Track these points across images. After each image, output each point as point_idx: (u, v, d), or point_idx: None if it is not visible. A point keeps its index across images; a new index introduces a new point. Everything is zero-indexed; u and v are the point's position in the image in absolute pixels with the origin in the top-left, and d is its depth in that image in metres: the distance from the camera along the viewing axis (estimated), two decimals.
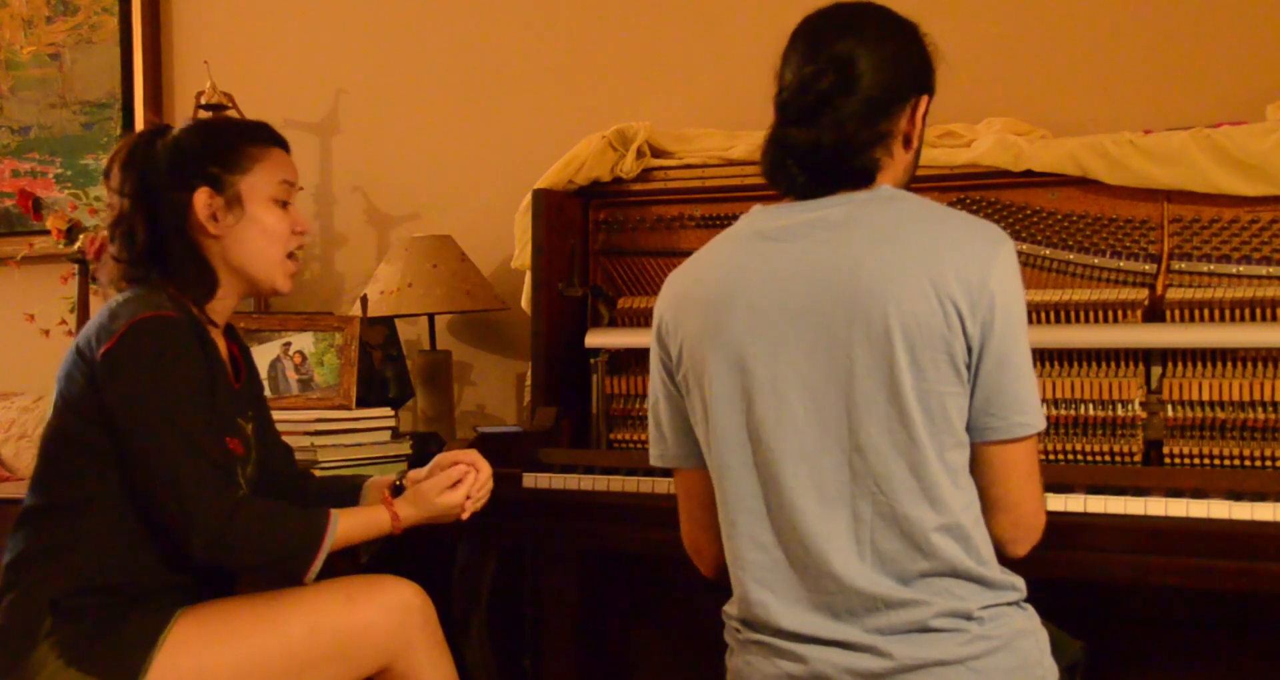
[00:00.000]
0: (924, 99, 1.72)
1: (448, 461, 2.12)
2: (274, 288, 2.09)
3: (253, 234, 2.04)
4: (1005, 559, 1.69)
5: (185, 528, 1.87)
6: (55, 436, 1.98)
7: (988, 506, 1.67)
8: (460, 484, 2.08)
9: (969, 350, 1.60)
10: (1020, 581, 1.67)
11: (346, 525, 1.97)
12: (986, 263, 1.60)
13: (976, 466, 1.66)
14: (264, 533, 1.91)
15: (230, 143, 2.06)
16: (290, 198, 2.10)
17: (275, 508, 1.97)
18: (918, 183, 1.91)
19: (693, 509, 1.83)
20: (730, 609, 1.74)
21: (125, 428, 1.89)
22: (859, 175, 1.68)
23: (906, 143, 1.72)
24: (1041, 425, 1.66)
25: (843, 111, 1.64)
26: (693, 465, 1.79)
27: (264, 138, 2.10)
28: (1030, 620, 1.67)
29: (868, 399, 1.60)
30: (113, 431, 1.90)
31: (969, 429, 1.63)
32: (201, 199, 2.01)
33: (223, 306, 2.08)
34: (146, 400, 1.88)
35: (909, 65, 1.71)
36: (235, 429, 2.03)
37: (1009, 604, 1.65)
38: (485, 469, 2.13)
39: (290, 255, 2.10)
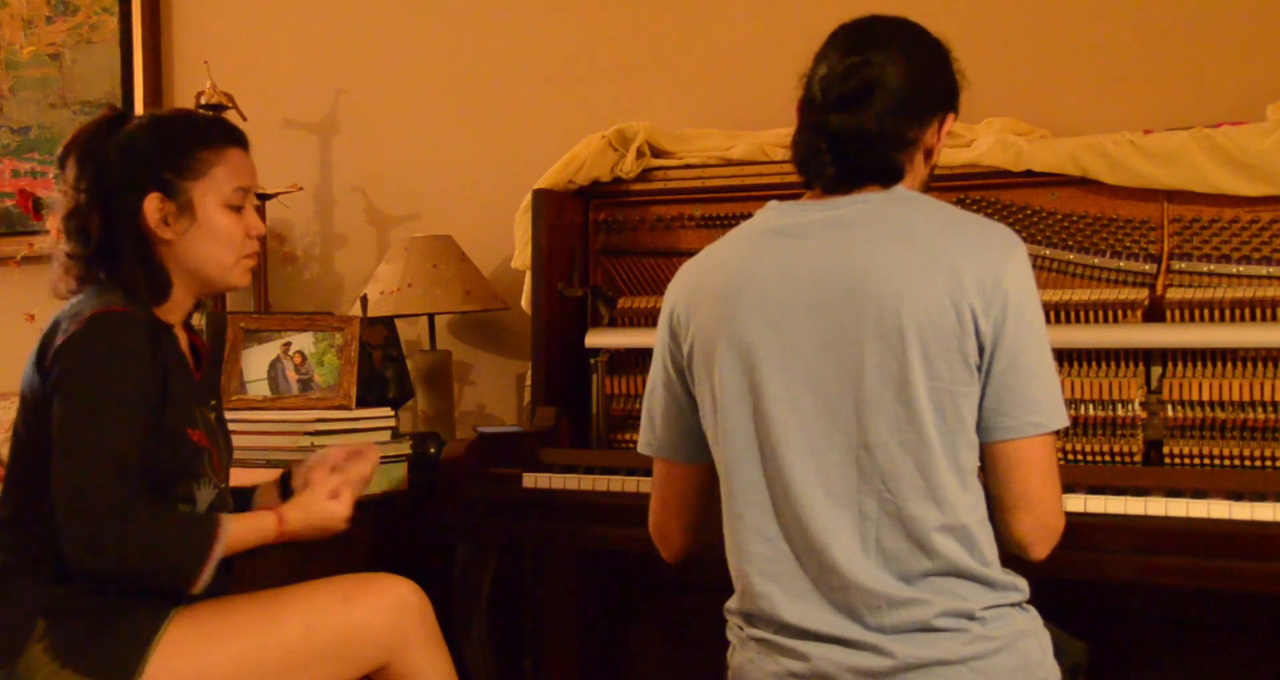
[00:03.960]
0: (950, 117, 1.76)
1: (320, 469, 2.06)
2: (230, 287, 2.06)
3: (205, 240, 1.97)
4: (1025, 562, 1.68)
5: (64, 529, 1.79)
6: (20, 442, 1.95)
7: (1009, 507, 1.66)
8: (340, 495, 2.02)
9: (980, 350, 1.60)
10: (1023, 583, 1.67)
11: (236, 530, 1.91)
12: (1000, 263, 1.61)
13: (994, 466, 1.65)
14: (150, 541, 1.83)
15: (185, 146, 1.97)
16: (246, 202, 2.01)
17: (164, 514, 1.90)
18: None
19: (668, 497, 1.84)
20: (732, 604, 1.74)
21: (56, 414, 1.84)
22: (888, 172, 1.69)
23: (928, 156, 1.75)
24: (1059, 425, 1.65)
25: (885, 102, 1.66)
26: (680, 458, 1.81)
27: (220, 138, 2.01)
28: (1033, 621, 1.67)
29: (877, 397, 1.60)
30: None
31: (981, 428, 1.63)
32: (152, 204, 1.94)
33: (178, 306, 2.02)
34: (80, 392, 1.84)
35: (942, 80, 1.75)
36: (196, 420, 1.99)
37: (1011, 605, 1.65)
38: (356, 466, 2.08)
39: (246, 256, 2.02)
